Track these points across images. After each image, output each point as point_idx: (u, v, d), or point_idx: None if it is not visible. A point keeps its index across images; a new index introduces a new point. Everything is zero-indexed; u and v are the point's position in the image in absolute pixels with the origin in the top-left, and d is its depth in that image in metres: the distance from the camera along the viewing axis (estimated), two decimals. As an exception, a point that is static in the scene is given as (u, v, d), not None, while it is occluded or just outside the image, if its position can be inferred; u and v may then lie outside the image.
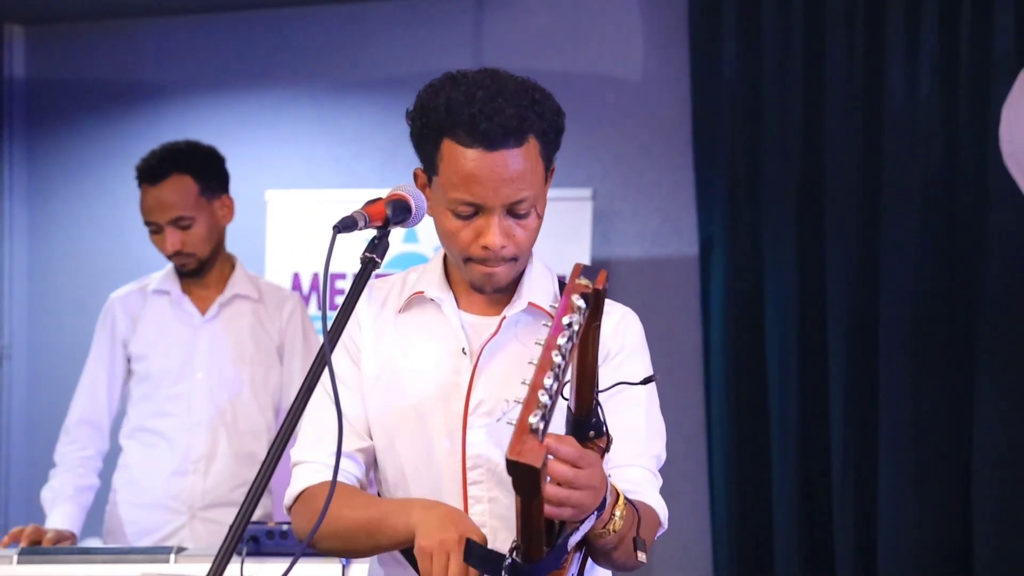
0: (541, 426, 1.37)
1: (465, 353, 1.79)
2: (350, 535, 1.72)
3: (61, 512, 2.96)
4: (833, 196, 3.71)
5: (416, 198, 1.69)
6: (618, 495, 1.61)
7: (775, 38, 3.77)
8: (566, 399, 1.59)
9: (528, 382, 1.41)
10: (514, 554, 1.50)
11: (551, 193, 4.24)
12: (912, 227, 3.63)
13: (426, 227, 2.44)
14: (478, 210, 1.72)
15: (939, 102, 3.60)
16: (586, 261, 3.88)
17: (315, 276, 4.08)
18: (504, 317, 1.80)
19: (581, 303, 1.47)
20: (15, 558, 2.46)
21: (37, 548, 2.53)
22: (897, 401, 3.63)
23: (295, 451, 1.83)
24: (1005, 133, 3.03)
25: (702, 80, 3.89)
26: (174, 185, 3.04)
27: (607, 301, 1.82)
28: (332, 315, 1.60)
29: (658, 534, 1.78)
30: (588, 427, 1.62)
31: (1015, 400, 3.54)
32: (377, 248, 1.62)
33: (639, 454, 1.78)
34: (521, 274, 1.83)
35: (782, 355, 3.76)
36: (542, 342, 1.44)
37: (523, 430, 1.37)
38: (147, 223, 3.07)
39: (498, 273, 1.75)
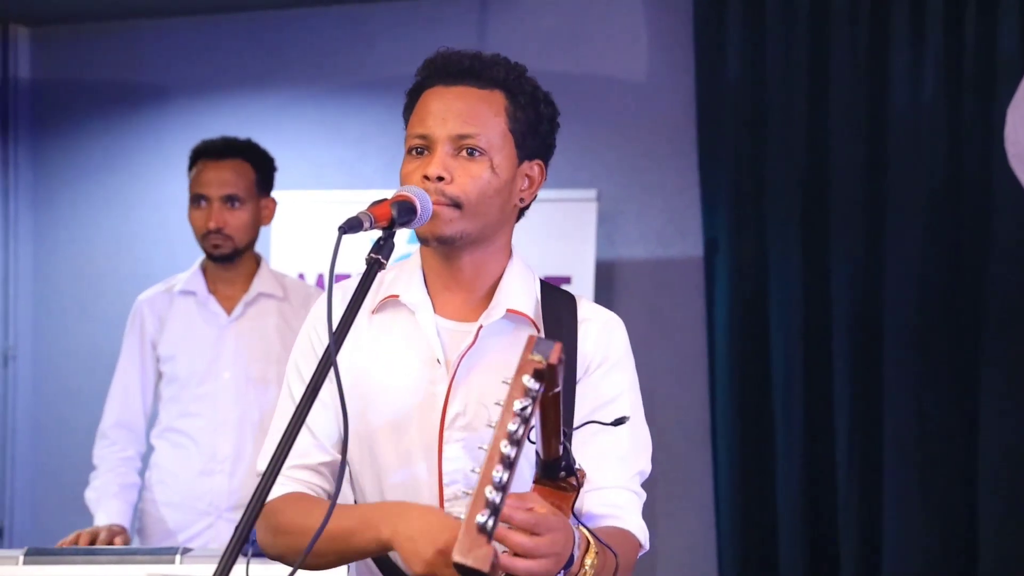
0: (490, 524, 1.34)
1: (440, 363, 1.73)
2: (316, 550, 1.59)
3: (109, 508, 3.00)
4: (837, 197, 3.71)
5: (421, 198, 1.66)
6: (588, 545, 1.58)
7: (779, 39, 3.77)
8: (533, 442, 1.55)
9: (478, 471, 1.38)
10: None
11: (555, 194, 4.24)
12: (916, 228, 3.63)
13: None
14: (430, 146, 1.71)
15: (944, 103, 3.61)
16: (591, 262, 3.89)
17: (320, 277, 4.09)
18: (481, 326, 1.73)
19: (533, 385, 1.41)
20: (21, 559, 2.46)
21: (43, 549, 2.53)
22: (902, 402, 3.63)
23: (260, 461, 1.77)
24: (1010, 134, 3.03)
25: (707, 81, 3.90)
26: (236, 166, 3.12)
27: (587, 304, 1.81)
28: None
29: (639, 555, 1.75)
30: (558, 468, 1.60)
31: (1020, 401, 3.54)
32: (382, 249, 1.59)
33: (622, 474, 1.74)
34: (499, 278, 1.78)
35: (787, 356, 3.76)
36: (494, 425, 1.40)
37: (471, 529, 1.34)
38: (195, 196, 3.11)
39: (439, 213, 1.68)
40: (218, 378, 3.12)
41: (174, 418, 3.15)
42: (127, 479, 3.09)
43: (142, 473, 3.18)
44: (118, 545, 2.86)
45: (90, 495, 3.07)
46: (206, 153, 3.14)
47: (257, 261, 3.21)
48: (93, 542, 2.81)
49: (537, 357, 1.43)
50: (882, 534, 3.64)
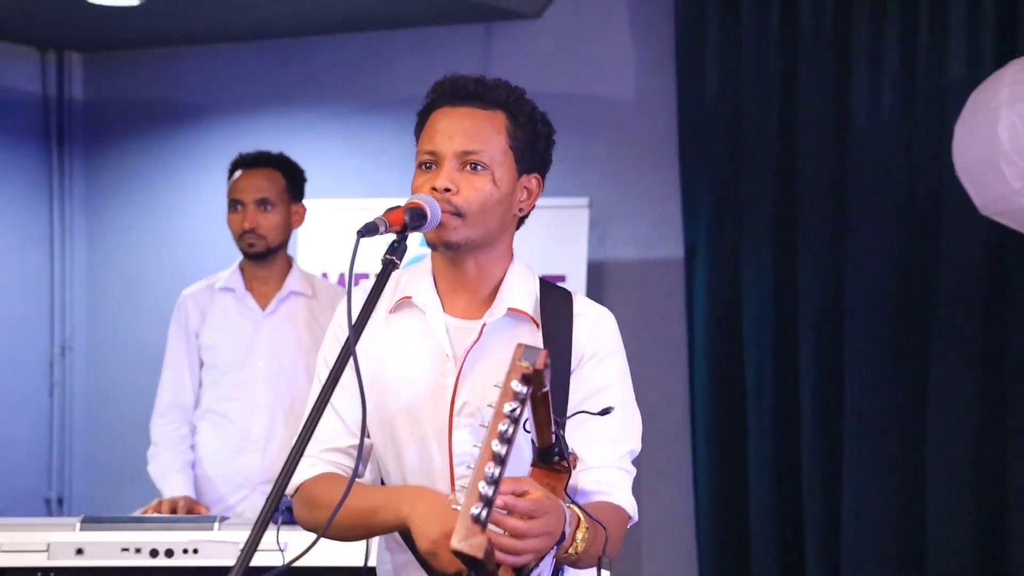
0: (484, 515, 1.36)
1: (449, 357, 1.73)
2: (345, 524, 1.63)
3: (175, 482, 3.05)
4: (805, 206, 3.72)
5: (431, 205, 1.66)
6: (579, 521, 1.58)
7: (753, 64, 3.78)
8: (528, 431, 1.56)
9: (473, 467, 1.39)
10: None
11: (551, 201, 4.24)
12: (876, 234, 3.63)
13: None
14: (437, 161, 1.71)
15: (900, 121, 3.62)
16: (583, 263, 3.90)
17: (341, 276, 4.10)
18: (485, 324, 1.73)
19: (521, 388, 1.43)
20: (78, 525, 2.48)
21: (98, 517, 2.55)
22: (859, 390, 3.63)
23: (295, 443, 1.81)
24: (958, 148, 3.03)
25: (687, 102, 3.90)
26: (268, 174, 3.15)
27: (586, 300, 1.81)
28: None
29: (629, 525, 1.75)
30: (552, 454, 1.61)
31: (965, 391, 3.53)
32: (396, 251, 1.60)
33: (612, 455, 1.73)
34: (501, 280, 1.77)
35: (758, 348, 3.77)
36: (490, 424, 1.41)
37: (466, 520, 1.36)
38: (232, 201, 3.14)
39: (446, 222, 1.68)
40: (253, 366, 3.14)
41: (214, 401, 3.17)
42: (186, 456, 3.14)
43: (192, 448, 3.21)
44: (197, 513, 2.94)
45: (154, 470, 3.11)
46: (242, 163, 3.18)
47: (289, 263, 3.24)
48: (174, 511, 2.88)
49: (525, 363, 1.44)
50: (841, 500, 3.64)
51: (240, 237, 3.12)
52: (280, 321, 3.16)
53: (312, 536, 1.57)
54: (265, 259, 3.15)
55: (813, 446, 3.68)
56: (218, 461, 3.15)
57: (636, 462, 1.80)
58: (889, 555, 3.61)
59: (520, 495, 1.48)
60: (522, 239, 1.86)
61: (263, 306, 3.17)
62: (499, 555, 1.46)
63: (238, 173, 3.16)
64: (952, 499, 3.53)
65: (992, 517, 3.49)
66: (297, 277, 3.21)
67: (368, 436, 1.77)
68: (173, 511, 2.93)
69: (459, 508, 1.38)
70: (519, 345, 1.47)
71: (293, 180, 3.20)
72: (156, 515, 2.87)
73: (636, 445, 1.79)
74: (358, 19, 4.26)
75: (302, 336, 3.14)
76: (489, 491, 1.37)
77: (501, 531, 1.47)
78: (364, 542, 1.82)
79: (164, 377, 3.20)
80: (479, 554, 1.36)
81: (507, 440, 1.40)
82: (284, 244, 3.19)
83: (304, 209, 3.25)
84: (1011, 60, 3.04)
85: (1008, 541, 3.42)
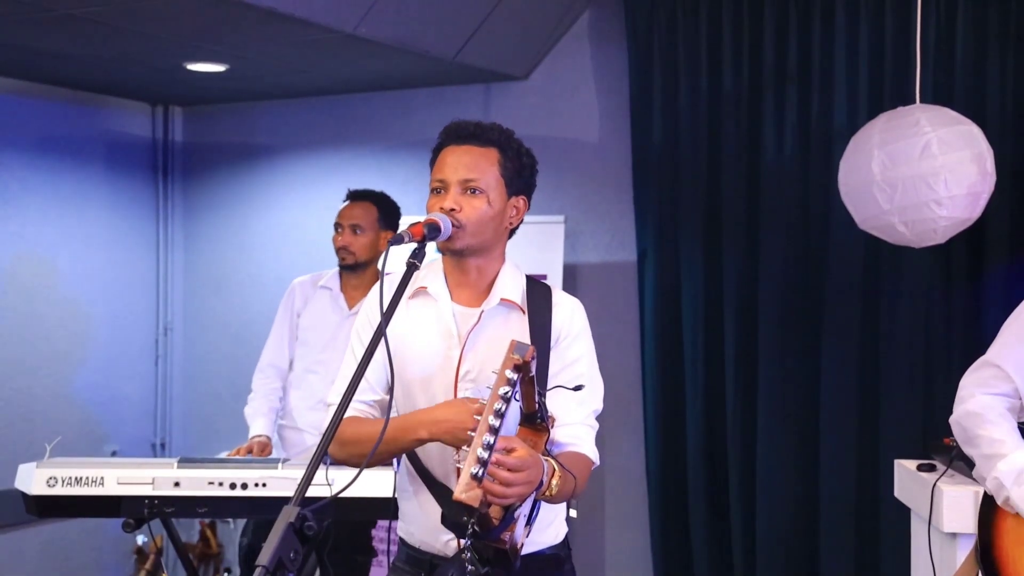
0: (480, 473, 1.36)
1: (455, 336, 1.71)
2: (376, 451, 1.57)
3: (259, 424, 3.03)
4: (727, 221, 3.71)
5: (443, 221, 1.65)
6: (554, 470, 1.57)
7: (688, 114, 3.77)
8: (517, 400, 1.55)
9: (474, 433, 1.39)
10: (473, 524, 1.46)
11: (536, 218, 4.20)
12: (780, 243, 3.63)
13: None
14: (445, 187, 1.69)
15: (798, 158, 3.61)
16: (559, 264, 3.88)
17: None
18: (483, 311, 1.72)
19: (513, 375, 1.42)
20: (175, 464, 2.45)
21: (191, 457, 2.52)
22: (769, 361, 3.63)
23: (331, 395, 1.76)
24: (841, 178, 3.03)
25: (639, 142, 3.89)
26: (364, 206, 3.10)
27: (562, 293, 1.80)
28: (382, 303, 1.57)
29: (592, 468, 1.74)
30: (535, 417, 1.61)
31: (848, 358, 3.53)
32: (417, 256, 1.60)
33: (580, 414, 1.72)
34: (495, 277, 1.75)
35: (692, 330, 3.76)
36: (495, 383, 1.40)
37: (466, 477, 1.36)
38: (336, 224, 3.11)
39: (451, 234, 1.67)
40: (335, 350, 3.07)
41: (300, 371, 3.14)
42: (273, 404, 3.10)
43: (280, 400, 3.17)
44: (265, 454, 2.90)
45: (248, 411, 3.08)
46: (349, 196, 3.15)
47: (377, 276, 3.19)
48: (250, 452, 2.87)
49: (516, 356, 1.44)
50: (755, 444, 3.64)
51: (337, 251, 3.09)
52: None
53: (352, 472, 1.54)
54: (355, 270, 3.11)
55: (734, 403, 3.67)
56: (298, 415, 3.12)
57: (599, 418, 1.79)
58: (791, 485, 3.60)
59: (509, 452, 1.47)
60: (513, 246, 1.84)
61: (351, 306, 3.12)
62: (490, 499, 1.45)
63: (344, 203, 3.12)
64: (839, 441, 3.53)
65: (868, 452, 3.49)
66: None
67: (383, 392, 1.75)
68: (250, 453, 2.90)
69: (461, 466, 1.38)
70: (512, 341, 1.46)
71: (386, 212, 3.14)
72: (235, 457, 2.85)
73: (599, 405, 1.78)
74: (388, 80, 4.24)
75: None
76: (485, 455, 1.37)
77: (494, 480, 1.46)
78: (392, 479, 1.79)
79: (268, 342, 3.16)
80: (475, 503, 1.37)
81: (500, 415, 1.39)
82: (372, 260, 3.12)
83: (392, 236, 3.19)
84: (880, 113, 3.02)
85: (879, 470, 3.42)
